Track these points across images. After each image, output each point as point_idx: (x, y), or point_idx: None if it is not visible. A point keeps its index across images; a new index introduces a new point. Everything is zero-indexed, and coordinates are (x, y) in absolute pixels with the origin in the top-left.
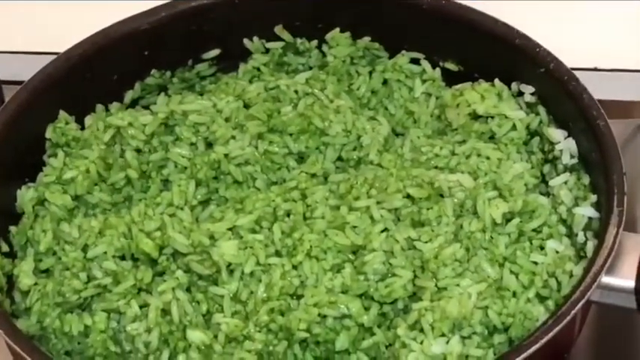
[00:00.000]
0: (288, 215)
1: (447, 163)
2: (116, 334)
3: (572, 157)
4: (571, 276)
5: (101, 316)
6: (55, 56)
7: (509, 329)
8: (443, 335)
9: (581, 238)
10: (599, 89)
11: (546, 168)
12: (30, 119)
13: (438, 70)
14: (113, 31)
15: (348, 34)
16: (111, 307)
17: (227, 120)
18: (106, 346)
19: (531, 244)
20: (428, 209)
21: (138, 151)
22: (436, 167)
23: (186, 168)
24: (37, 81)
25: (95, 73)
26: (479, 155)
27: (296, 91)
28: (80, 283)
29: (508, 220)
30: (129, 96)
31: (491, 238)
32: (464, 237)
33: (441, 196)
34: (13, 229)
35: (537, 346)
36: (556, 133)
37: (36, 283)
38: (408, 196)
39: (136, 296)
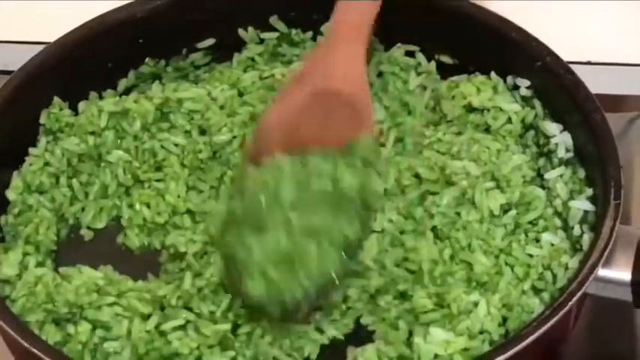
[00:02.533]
0: None
1: (448, 149)
2: (97, 346)
3: (567, 150)
4: (566, 269)
5: (85, 328)
6: (45, 45)
7: (506, 321)
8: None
9: (576, 231)
10: (592, 83)
11: (541, 161)
12: (23, 105)
13: (433, 63)
14: (108, 18)
15: None
16: (101, 320)
17: (222, 108)
18: (82, 358)
19: (527, 236)
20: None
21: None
22: (438, 152)
23: (178, 155)
24: (30, 67)
25: (89, 60)
26: (479, 145)
27: None
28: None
29: (505, 212)
30: (122, 84)
31: (488, 229)
32: (460, 227)
33: (447, 183)
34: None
35: (533, 337)
36: (551, 127)
37: (19, 275)
38: (416, 176)
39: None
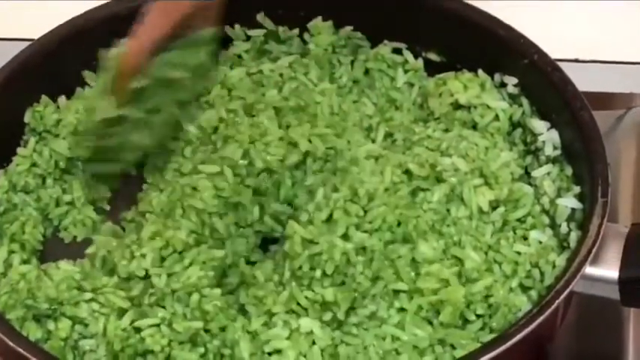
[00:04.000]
0: None
1: (438, 146)
2: (77, 342)
3: (554, 148)
4: (554, 267)
5: (65, 324)
6: (30, 43)
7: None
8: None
9: (564, 229)
10: (579, 80)
11: (528, 159)
12: (7, 104)
13: (420, 60)
14: (93, 15)
15: (330, 22)
16: (79, 316)
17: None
18: (64, 354)
19: (515, 233)
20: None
21: None
22: (427, 148)
23: None
24: (14, 64)
25: (74, 57)
26: (467, 141)
27: (281, 75)
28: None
29: (494, 209)
30: None
31: (477, 226)
32: (450, 223)
33: (437, 180)
34: None
35: (520, 335)
36: (539, 125)
37: (3, 273)
38: (406, 172)
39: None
